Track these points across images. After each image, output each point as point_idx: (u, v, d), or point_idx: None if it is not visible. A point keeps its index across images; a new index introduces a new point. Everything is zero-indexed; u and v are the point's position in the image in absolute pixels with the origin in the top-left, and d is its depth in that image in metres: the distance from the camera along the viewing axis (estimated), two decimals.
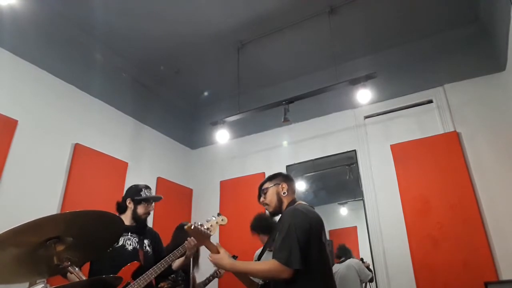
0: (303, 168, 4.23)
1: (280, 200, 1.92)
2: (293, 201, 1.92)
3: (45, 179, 3.07)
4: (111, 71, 4.01)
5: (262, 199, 1.98)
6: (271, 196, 1.93)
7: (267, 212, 2.02)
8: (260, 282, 1.82)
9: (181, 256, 2.29)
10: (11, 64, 3.01)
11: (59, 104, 3.35)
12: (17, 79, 3.04)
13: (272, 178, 2.01)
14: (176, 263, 2.37)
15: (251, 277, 1.83)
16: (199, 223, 1.84)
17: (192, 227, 1.72)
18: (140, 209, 2.37)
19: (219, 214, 2.49)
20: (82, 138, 3.45)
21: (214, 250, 1.76)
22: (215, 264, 1.75)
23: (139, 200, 2.38)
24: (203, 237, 1.78)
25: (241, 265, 1.71)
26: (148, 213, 2.41)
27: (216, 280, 3.26)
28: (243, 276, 1.83)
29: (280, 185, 1.95)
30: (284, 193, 1.93)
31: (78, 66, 3.62)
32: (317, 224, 1.74)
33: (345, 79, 3.35)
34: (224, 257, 1.72)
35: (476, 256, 2.91)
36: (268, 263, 1.60)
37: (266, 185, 1.98)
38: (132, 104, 4.20)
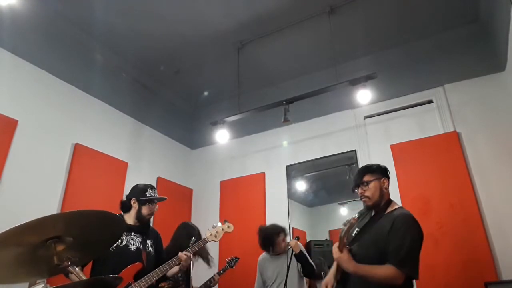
0: (303, 168, 4.23)
1: (382, 196, 1.90)
2: (390, 200, 1.94)
3: (45, 179, 3.07)
4: (111, 71, 4.01)
5: (361, 190, 1.93)
6: (374, 190, 1.90)
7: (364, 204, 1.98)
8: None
9: (178, 264, 2.31)
10: (11, 64, 3.01)
11: (59, 104, 3.35)
12: (17, 79, 3.04)
13: (372, 170, 1.96)
14: (171, 271, 2.38)
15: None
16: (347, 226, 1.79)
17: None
18: (145, 210, 2.36)
19: (225, 221, 2.53)
20: (82, 138, 3.45)
21: (342, 244, 1.77)
22: (340, 262, 1.78)
23: (144, 200, 2.36)
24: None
25: (363, 269, 1.72)
26: (152, 214, 2.41)
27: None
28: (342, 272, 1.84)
29: (382, 180, 1.93)
30: (385, 188, 1.92)
31: (78, 66, 3.62)
32: None
33: (345, 79, 3.35)
34: (350, 260, 1.75)
35: (476, 256, 2.91)
36: (390, 270, 1.66)
37: (367, 178, 1.93)
38: (132, 104, 4.20)
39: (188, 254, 2.32)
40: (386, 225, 1.78)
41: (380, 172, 1.96)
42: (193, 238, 2.61)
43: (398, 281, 1.64)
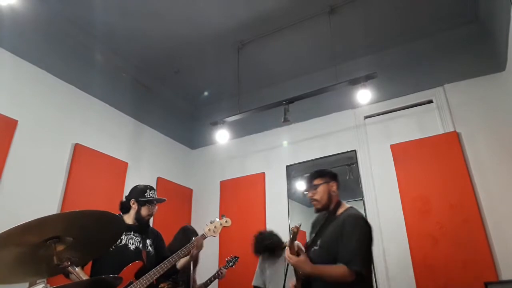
0: (303, 168, 4.22)
1: (330, 199, 1.99)
2: (339, 202, 2.02)
3: (45, 179, 3.06)
4: (111, 71, 4.01)
5: (310, 194, 2.02)
6: (322, 194, 1.99)
7: (314, 207, 2.05)
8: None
9: (185, 256, 2.32)
10: (11, 64, 3.01)
11: (59, 104, 3.35)
12: (17, 79, 3.04)
13: (322, 174, 2.05)
14: (181, 262, 2.40)
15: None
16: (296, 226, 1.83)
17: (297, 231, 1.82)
18: (144, 211, 2.36)
19: (223, 216, 2.53)
20: (82, 138, 3.45)
21: (293, 251, 1.83)
22: (298, 266, 1.84)
23: (143, 201, 2.36)
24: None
25: (320, 269, 1.80)
26: (152, 215, 2.41)
27: (215, 280, 3.25)
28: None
29: (331, 183, 2.02)
30: (333, 192, 2.01)
31: (78, 66, 3.62)
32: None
33: (345, 79, 3.35)
34: (307, 261, 1.81)
35: (476, 256, 2.91)
36: (341, 269, 1.73)
37: (317, 181, 2.02)
38: (132, 104, 4.20)
39: (200, 241, 2.36)
40: (337, 228, 1.87)
41: (330, 176, 2.05)
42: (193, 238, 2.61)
43: (348, 278, 1.71)
